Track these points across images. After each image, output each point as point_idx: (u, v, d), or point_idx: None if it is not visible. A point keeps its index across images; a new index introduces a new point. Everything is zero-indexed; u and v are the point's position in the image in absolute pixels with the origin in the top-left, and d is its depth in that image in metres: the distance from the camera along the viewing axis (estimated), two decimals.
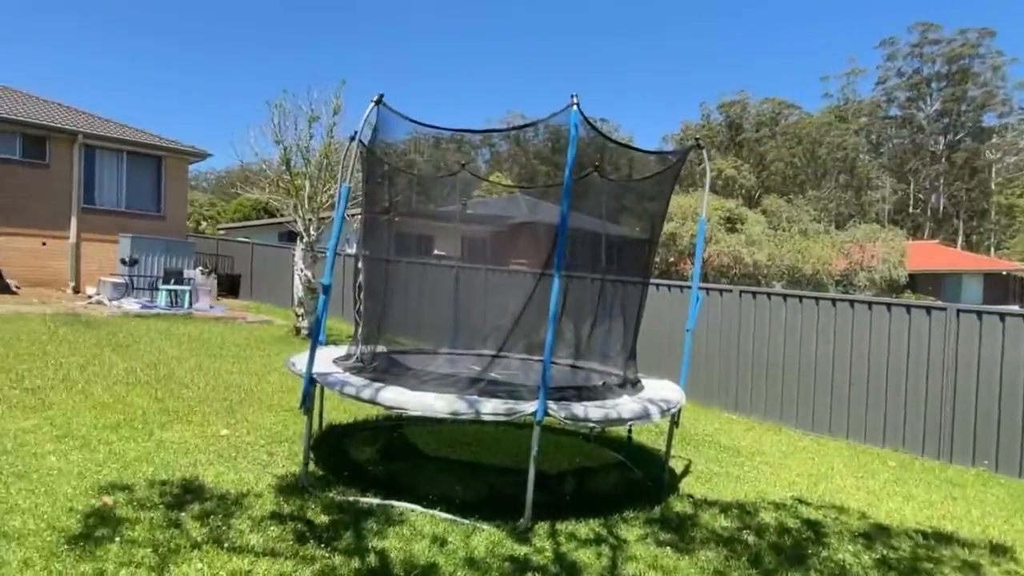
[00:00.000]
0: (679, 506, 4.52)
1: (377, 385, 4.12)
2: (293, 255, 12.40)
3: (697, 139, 6.08)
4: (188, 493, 3.83)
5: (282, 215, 15.56)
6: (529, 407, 3.77)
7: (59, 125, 16.08)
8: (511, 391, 4.20)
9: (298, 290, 11.44)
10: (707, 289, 9.30)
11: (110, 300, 14.01)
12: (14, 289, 14.85)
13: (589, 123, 4.20)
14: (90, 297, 14.74)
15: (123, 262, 14.84)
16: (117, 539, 3.14)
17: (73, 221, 16.25)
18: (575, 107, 3.81)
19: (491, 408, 3.84)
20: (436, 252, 8.81)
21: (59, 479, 3.87)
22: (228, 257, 19.94)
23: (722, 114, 59.51)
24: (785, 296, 8.61)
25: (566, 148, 3.88)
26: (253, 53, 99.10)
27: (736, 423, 8.12)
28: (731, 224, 28.43)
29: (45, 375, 6.46)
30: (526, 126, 33.60)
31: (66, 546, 3.03)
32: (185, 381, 6.88)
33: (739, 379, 8.72)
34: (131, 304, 13.57)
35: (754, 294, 8.92)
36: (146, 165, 17.67)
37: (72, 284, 16.22)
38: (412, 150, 6.47)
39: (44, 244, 15.97)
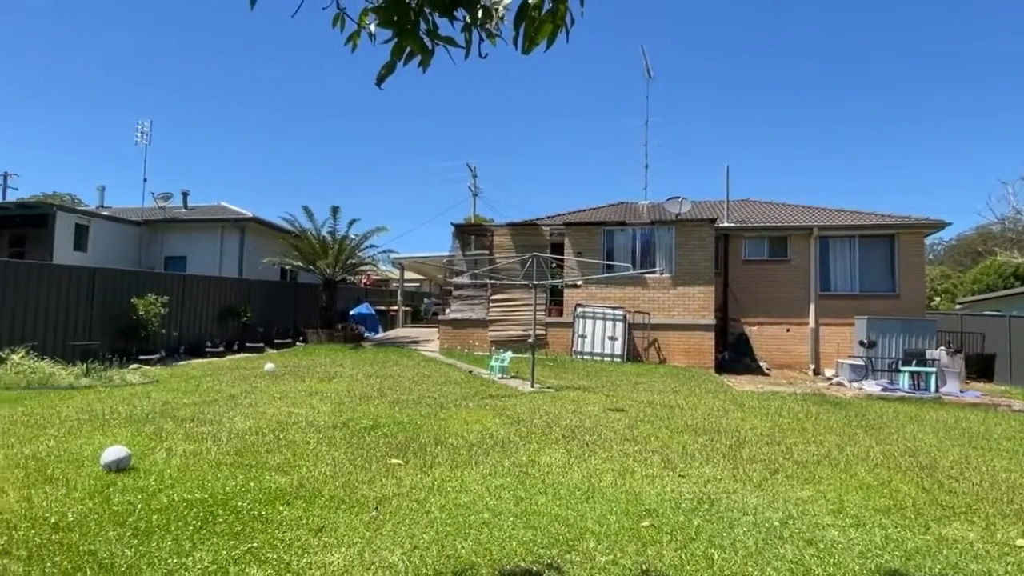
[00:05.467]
0: None
1: None
2: None
3: None
4: None
5: None
6: None
7: (797, 224, 18.68)
8: None
9: None
10: None
11: (849, 382, 14.68)
12: (766, 371, 17.67)
13: None
14: (829, 379, 15.89)
15: (861, 344, 15.41)
16: None
17: (811, 308, 18.20)
18: None
19: None
20: None
21: (843, 552, 4.09)
22: (976, 334, 17.78)
23: None
24: None
25: None
26: None
27: None
28: None
29: (808, 450, 7.19)
30: None
31: None
32: (952, 473, 6.29)
33: None
34: (871, 386, 13.81)
35: None
36: (877, 245, 18.22)
37: (812, 366, 17.97)
38: None
39: (788, 331, 18.45)
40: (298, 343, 20.25)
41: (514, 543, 4.06)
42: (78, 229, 20.91)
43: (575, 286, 18.28)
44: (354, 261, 21.91)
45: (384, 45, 2.47)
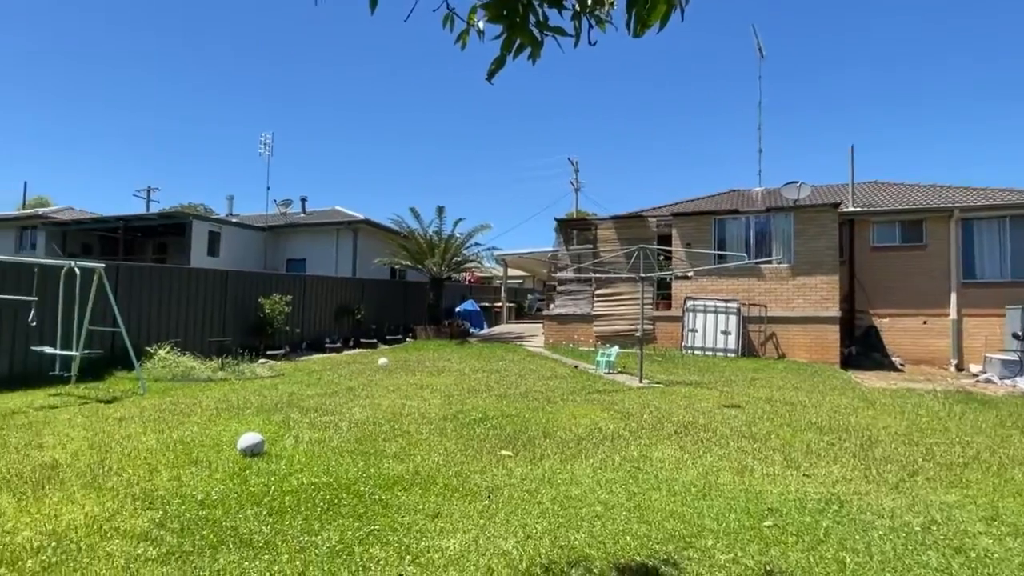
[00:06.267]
0: None
1: None
2: None
3: None
4: None
5: None
6: None
7: (934, 205, 17.07)
8: None
9: None
10: None
11: (1000, 378, 13.26)
12: (899, 366, 16.29)
13: None
14: (975, 375, 14.41)
15: (1015, 337, 13.86)
16: None
17: (952, 297, 16.58)
18: None
19: None
20: None
21: (999, 564, 3.72)
22: None
23: None
24: None
25: None
26: None
27: None
28: None
29: (952, 452, 6.58)
30: None
31: None
32: None
33: None
34: None
35: None
36: None
37: (953, 361, 16.36)
38: None
39: (924, 323, 16.92)
40: (407, 339, 21.11)
41: (628, 537, 4.03)
42: (211, 236, 22.96)
43: (685, 278, 17.76)
44: (459, 259, 22.52)
45: (493, 41, 2.53)
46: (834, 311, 16.18)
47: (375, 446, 6.27)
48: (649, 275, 13.66)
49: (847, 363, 16.13)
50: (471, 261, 23.62)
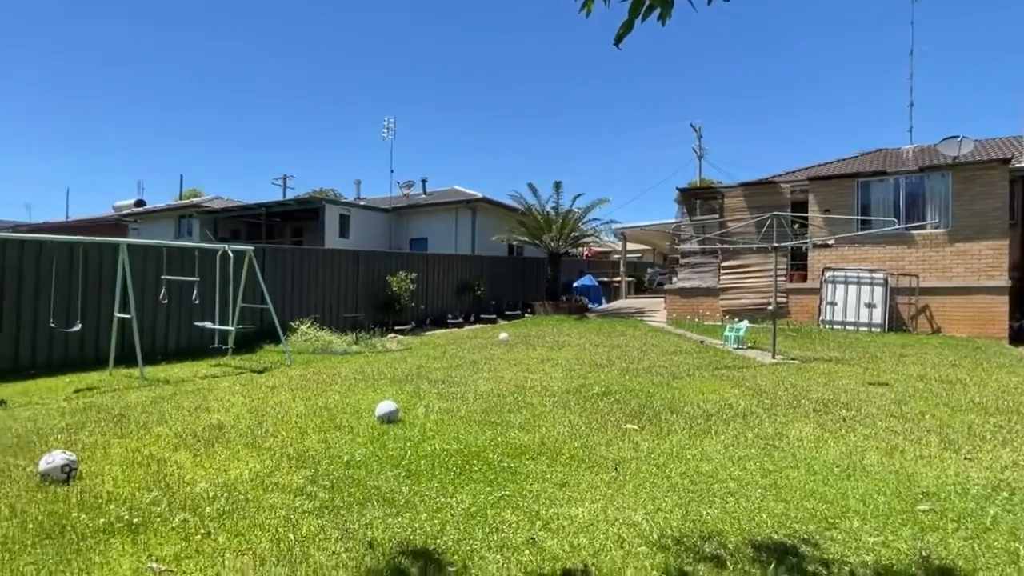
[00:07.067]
0: None
1: None
2: None
3: None
4: None
5: None
6: None
7: None
8: None
9: None
10: None
11: None
12: None
13: None
14: None
15: None
16: None
17: None
18: None
19: None
20: None
21: None
22: None
23: None
24: None
25: None
26: None
27: None
28: None
29: None
30: None
31: None
32: None
33: None
34: None
35: None
36: None
37: None
38: None
39: None
40: (526, 315, 21.47)
41: (764, 515, 3.92)
42: (341, 219, 24.48)
43: (825, 246, 16.60)
44: (577, 234, 22.48)
45: (620, 4, 2.50)
46: (1001, 280, 14.48)
47: (500, 417, 6.49)
48: (783, 244, 12.90)
49: (1017, 338, 14.41)
50: (589, 236, 23.50)
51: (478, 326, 18.54)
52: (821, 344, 13.14)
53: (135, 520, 3.66)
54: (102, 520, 3.66)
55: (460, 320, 18.78)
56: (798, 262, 17.80)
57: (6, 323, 9.20)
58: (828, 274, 16.14)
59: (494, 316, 20.15)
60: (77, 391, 7.89)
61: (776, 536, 3.60)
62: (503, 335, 14.61)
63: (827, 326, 15.87)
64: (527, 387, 8.20)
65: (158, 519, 3.70)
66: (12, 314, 9.28)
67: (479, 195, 25.93)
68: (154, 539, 3.44)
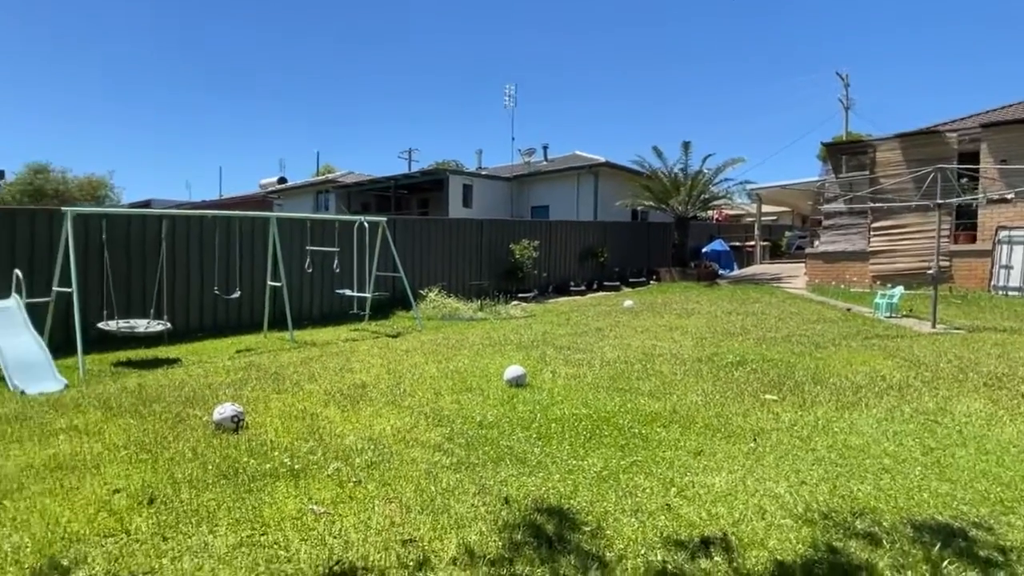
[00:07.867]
0: None
1: None
2: None
3: None
4: None
5: None
6: None
7: None
8: None
9: None
10: None
11: None
12: None
13: None
14: None
15: None
16: None
17: None
18: None
19: None
20: None
21: None
22: None
23: None
24: None
25: None
26: None
27: None
28: None
29: None
30: None
31: None
32: None
33: None
34: None
35: None
36: None
37: None
38: None
39: None
40: (651, 282, 21.03)
41: (925, 494, 3.63)
42: (464, 189, 25.11)
43: (1003, 201, 14.74)
44: (707, 196, 21.58)
45: None
46: None
47: (629, 384, 6.45)
48: (949, 200, 11.59)
49: None
50: (720, 198, 22.46)
51: (601, 294, 18.43)
52: (992, 312, 11.79)
53: (296, 466, 4.06)
54: (268, 465, 4.09)
55: (583, 288, 18.76)
56: (964, 220, 15.98)
57: (178, 290, 10.39)
58: (1003, 234, 14.36)
59: (618, 283, 19.92)
60: (238, 351, 8.80)
61: (940, 518, 3.33)
62: (628, 302, 14.43)
63: (1000, 292, 14.18)
64: (655, 355, 8.07)
65: (315, 467, 4.08)
66: (184, 282, 10.47)
67: (601, 159, 25.51)
68: (313, 484, 3.80)
